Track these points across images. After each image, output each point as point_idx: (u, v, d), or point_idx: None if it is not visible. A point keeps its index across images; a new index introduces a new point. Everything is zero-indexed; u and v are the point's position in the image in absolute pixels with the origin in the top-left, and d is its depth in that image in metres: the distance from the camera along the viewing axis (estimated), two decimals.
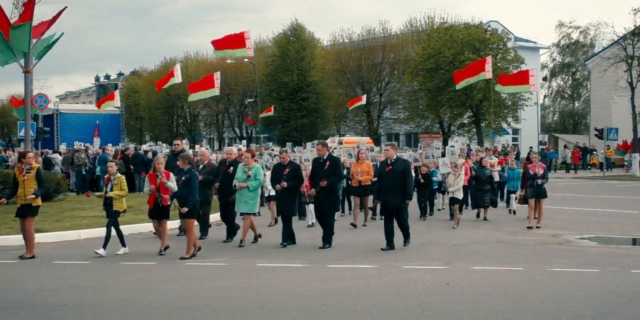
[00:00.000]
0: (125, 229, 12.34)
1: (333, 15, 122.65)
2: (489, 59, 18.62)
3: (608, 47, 45.23)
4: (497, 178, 18.65)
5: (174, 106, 61.89)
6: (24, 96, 16.14)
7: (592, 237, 13.88)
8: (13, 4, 15.59)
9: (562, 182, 31.35)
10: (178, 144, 15.38)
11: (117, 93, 25.42)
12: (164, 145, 35.55)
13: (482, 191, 16.81)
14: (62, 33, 16.03)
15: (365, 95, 33.53)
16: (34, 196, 11.10)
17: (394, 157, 12.28)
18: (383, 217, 12.73)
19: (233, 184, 12.55)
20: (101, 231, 12.14)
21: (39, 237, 12.02)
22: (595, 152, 42.11)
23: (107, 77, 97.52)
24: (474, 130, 42.83)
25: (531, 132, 50.63)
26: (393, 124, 51.89)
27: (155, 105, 60.48)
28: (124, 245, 11.62)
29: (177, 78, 21.51)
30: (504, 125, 43.36)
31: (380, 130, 50.35)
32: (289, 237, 12.54)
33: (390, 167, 12.19)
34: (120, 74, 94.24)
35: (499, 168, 19.51)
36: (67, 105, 56.60)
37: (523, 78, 20.39)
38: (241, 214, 12.79)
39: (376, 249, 12.12)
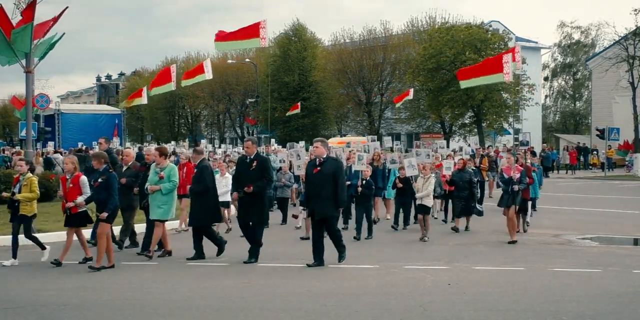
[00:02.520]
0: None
1: (333, 15, 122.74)
2: (507, 57, 15.43)
3: (609, 47, 45.20)
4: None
5: (175, 106, 61.98)
6: (26, 96, 16.13)
7: (594, 237, 13.87)
8: (15, 4, 15.62)
9: (563, 182, 31.33)
10: (101, 143, 13.45)
11: (145, 90, 24.30)
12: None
13: (458, 198, 14.74)
14: (64, 33, 16.05)
15: (412, 89, 33.12)
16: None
17: (324, 156, 10.53)
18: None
19: (145, 187, 11.34)
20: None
21: (39, 237, 11.98)
22: (595, 152, 42.08)
23: (109, 77, 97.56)
24: (475, 130, 42.81)
25: (532, 132, 50.71)
26: (394, 124, 51.89)
27: (156, 105, 60.52)
28: (43, 248, 10.82)
29: (208, 74, 20.03)
30: (505, 125, 43.34)
31: (382, 130, 50.38)
32: (253, 254, 10.81)
33: (319, 168, 10.45)
34: (121, 74, 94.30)
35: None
36: (69, 105, 56.60)
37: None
38: (152, 220, 11.31)
39: (377, 249, 12.12)
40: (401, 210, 15.04)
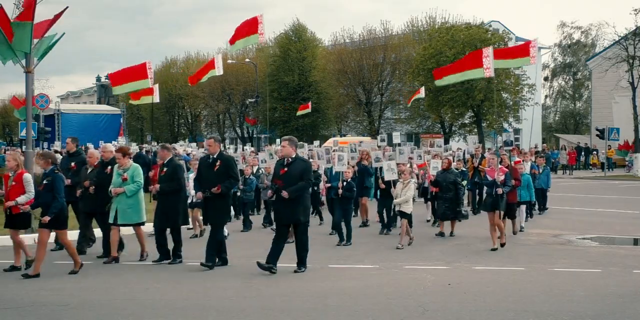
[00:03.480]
0: (126, 229, 12.08)
1: (333, 15, 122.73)
2: (487, 51, 14.82)
3: (609, 47, 45.22)
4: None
5: (175, 106, 61.96)
6: (25, 96, 16.10)
7: (594, 237, 13.86)
8: (14, 4, 15.59)
9: (563, 182, 31.31)
10: (68, 143, 12.83)
11: (156, 88, 23.34)
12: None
13: (442, 200, 13.90)
14: (64, 33, 16.02)
15: (423, 87, 33.03)
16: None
17: (292, 156, 9.93)
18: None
19: (109, 190, 10.70)
20: (100, 232, 11.96)
21: None
22: (595, 152, 42.11)
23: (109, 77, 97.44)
24: (475, 130, 42.82)
25: (532, 132, 50.71)
26: (394, 124, 51.90)
27: (156, 105, 60.41)
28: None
29: (219, 70, 19.32)
30: (505, 125, 43.35)
31: (382, 130, 50.39)
32: (210, 258, 10.09)
33: (286, 169, 9.86)
34: None
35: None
36: (69, 105, 56.64)
37: (523, 50, 16.56)
38: (118, 225, 10.75)
39: (377, 249, 12.12)
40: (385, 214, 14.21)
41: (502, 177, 12.26)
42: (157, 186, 10.83)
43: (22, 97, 35.41)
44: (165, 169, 10.91)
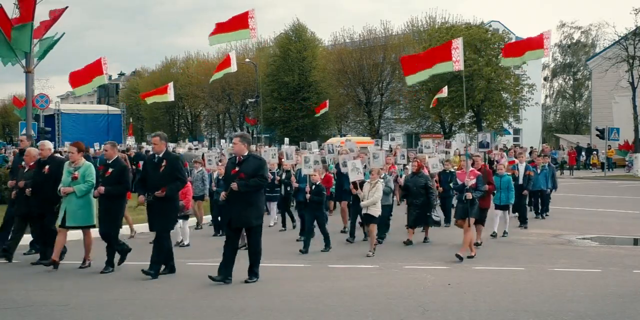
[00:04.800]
0: (125, 228, 12.09)
1: (333, 15, 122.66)
2: (457, 42, 13.42)
3: (609, 47, 45.21)
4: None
5: (175, 106, 61.97)
6: (26, 96, 16.10)
7: (594, 237, 13.86)
8: (14, 4, 15.59)
9: (563, 182, 31.29)
10: (22, 140, 12.30)
11: (171, 86, 22.59)
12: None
13: (413, 206, 12.93)
14: (64, 33, 16.03)
15: (446, 87, 32.82)
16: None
17: (245, 154, 9.13)
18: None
19: (57, 190, 9.97)
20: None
21: None
22: (595, 152, 42.10)
23: (109, 77, 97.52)
24: (475, 130, 42.82)
25: (532, 132, 50.74)
26: (394, 124, 51.90)
27: (156, 105, 60.46)
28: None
29: (233, 67, 18.52)
30: (505, 125, 43.36)
31: (382, 130, 50.37)
32: (153, 266, 9.46)
33: (237, 168, 9.06)
34: (121, 74, 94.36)
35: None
36: (69, 105, 56.65)
37: (537, 42, 15.29)
38: (66, 227, 10.00)
39: (377, 249, 12.10)
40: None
41: (473, 181, 11.24)
42: (102, 189, 9.80)
43: (22, 97, 35.40)
44: (110, 170, 10.02)
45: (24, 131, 19.69)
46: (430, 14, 60.34)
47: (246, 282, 9.01)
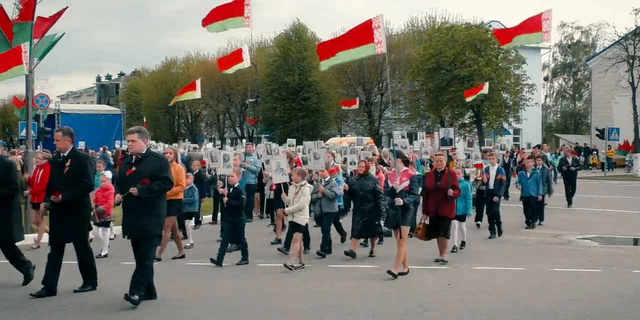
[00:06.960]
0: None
1: (332, 15, 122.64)
2: (378, 21, 10.30)
3: (609, 47, 45.22)
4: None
5: (175, 106, 61.89)
6: (26, 96, 16.09)
7: (594, 237, 13.86)
8: (14, 4, 15.59)
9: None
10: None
11: (198, 82, 21.67)
12: (166, 145, 35.51)
13: (359, 213, 11.17)
14: (64, 33, 16.03)
15: (487, 82, 32.05)
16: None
17: (143, 151, 7.86)
18: None
19: None
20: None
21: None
22: (595, 152, 42.09)
23: (109, 77, 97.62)
24: (475, 130, 42.83)
25: (533, 131, 50.71)
26: (394, 124, 51.91)
27: (156, 105, 60.54)
28: None
29: (246, 62, 17.73)
30: (505, 125, 43.34)
31: (382, 130, 50.36)
32: (88, 279, 8.58)
33: (134, 168, 7.80)
34: (121, 74, 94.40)
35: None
36: (69, 105, 56.65)
37: (534, 24, 13.63)
38: None
39: (376, 249, 12.09)
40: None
41: (406, 183, 9.57)
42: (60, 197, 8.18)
43: (22, 97, 35.40)
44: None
45: (23, 131, 19.66)
46: (430, 14, 60.31)
47: (130, 299, 7.57)
